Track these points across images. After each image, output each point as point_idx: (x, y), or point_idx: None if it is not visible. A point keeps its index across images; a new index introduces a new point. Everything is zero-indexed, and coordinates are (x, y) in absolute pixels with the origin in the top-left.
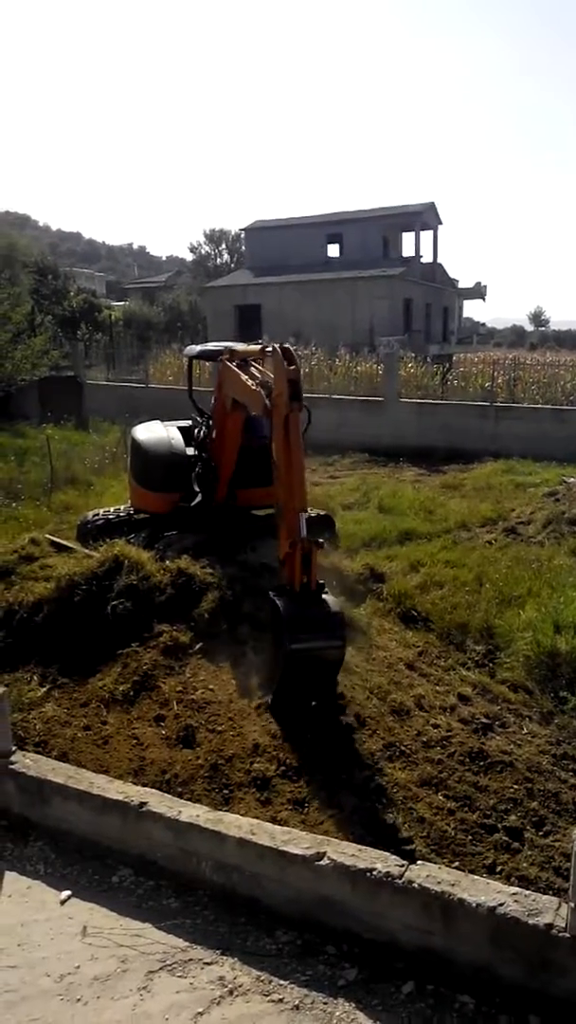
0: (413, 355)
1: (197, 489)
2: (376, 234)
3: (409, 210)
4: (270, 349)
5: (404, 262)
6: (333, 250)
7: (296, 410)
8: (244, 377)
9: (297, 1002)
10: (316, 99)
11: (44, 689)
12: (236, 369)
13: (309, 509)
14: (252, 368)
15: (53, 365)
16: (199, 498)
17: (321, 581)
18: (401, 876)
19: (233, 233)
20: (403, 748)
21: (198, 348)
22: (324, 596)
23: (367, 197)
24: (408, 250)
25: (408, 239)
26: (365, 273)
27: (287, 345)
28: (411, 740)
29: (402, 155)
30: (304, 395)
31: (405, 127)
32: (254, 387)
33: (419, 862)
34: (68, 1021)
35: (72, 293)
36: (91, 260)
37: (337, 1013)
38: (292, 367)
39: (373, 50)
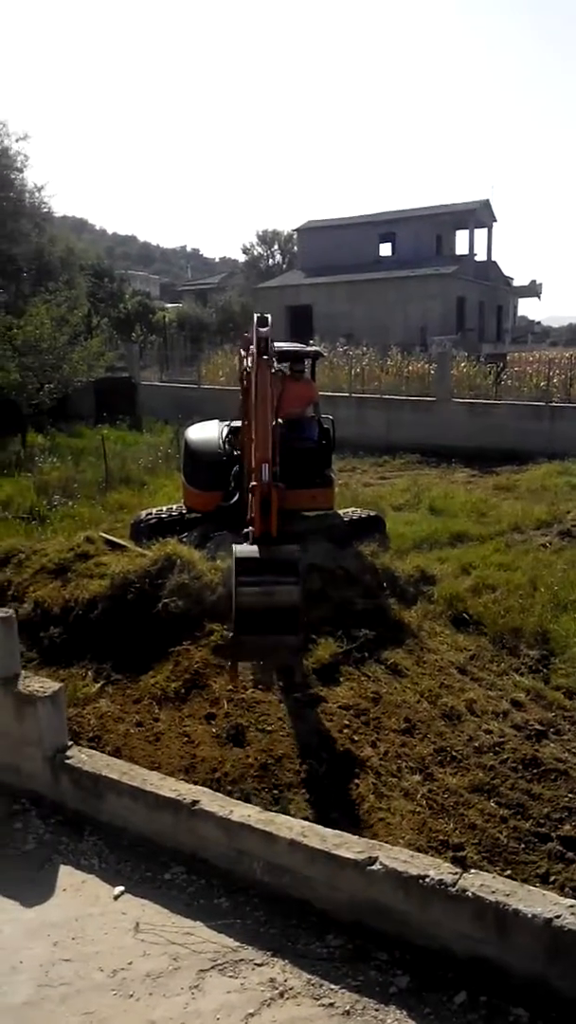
0: (466, 354)
1: (234, 488)
2: (429, 232)
3: (463, 207)
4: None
5: (457, 260)
6: (385, 249)
7: (262, 365)
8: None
9: (348, 1007)
10: (369, 97)
11: (98, 685)
12: (243, 355)
13: (359, 510)
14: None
15: (108, 366)
16: (236, 497)
17: (284, 532)
18: (455, 884)
19: (285, 234)
20: (454, 753)
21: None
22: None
23: (420, 195)
24: (462, 248)
25: (462, 237)
26: (417, 272)
27: (265, 315)
28: (463, 745)
29: (457, 151)
30: (355, 395)
31: (461, 122)
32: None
33: (472, 870)
34: (121, 1016)
35: (127, 295)
36: (146, 263)
37: (388, 1020)
38: (263, 328)
39: (425, 45)
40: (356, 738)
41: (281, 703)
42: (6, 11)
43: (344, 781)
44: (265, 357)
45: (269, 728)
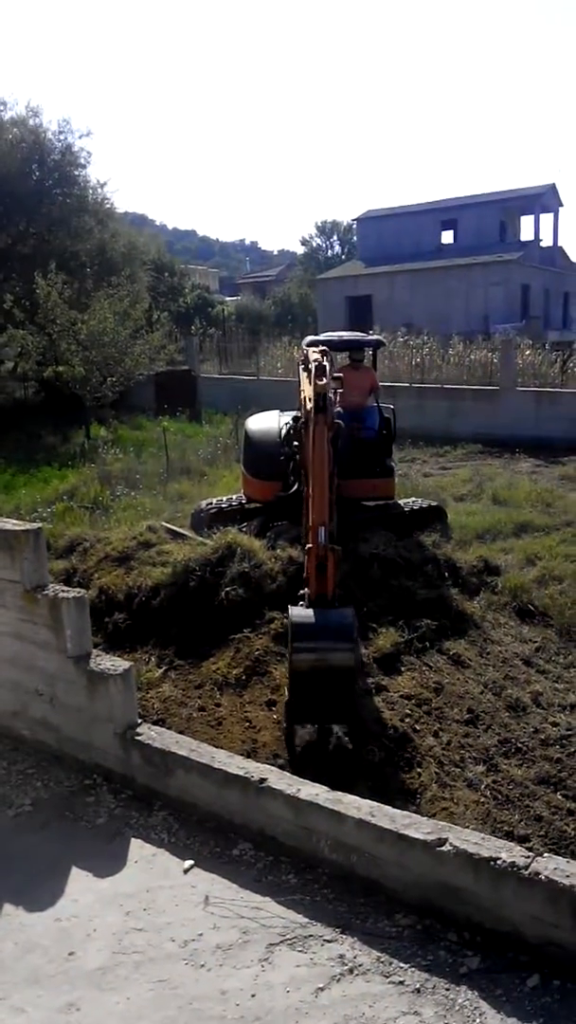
0: (530, 342)
1: (293, 479)
2: (493, 218)
3: (528, 192)
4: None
5: (522, 247)
6: (447, 236)
7: (319, 423)
8: (304, 380)
9: (418, 986)
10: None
11: (161, 670)
12: (303, 372)
13: (419, 499)
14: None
15: (169, 359)
16: (295, 487)
17: (339, 592)
18: (527, 867)
19: (345, 224)
20: (519, 745)
21: (311, 339)
22: (347, 607)
23: (484, 180)
24: (527, 234)
25: (527, 223)
26: (480, 259)
27: (319, 353)
28: (528, 737)
29: (522, 134)
30: (415, 385)
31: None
32: (305, 394)
33: (545, 854)
34: (193, 985)
35: (187, 289)
36: (205, 257)
37: (460, 1000)
38: (320, 381)
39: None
40: (418, 727)
41: None
42: (71, 8)
43: (406, 770)
44: (323, 415)
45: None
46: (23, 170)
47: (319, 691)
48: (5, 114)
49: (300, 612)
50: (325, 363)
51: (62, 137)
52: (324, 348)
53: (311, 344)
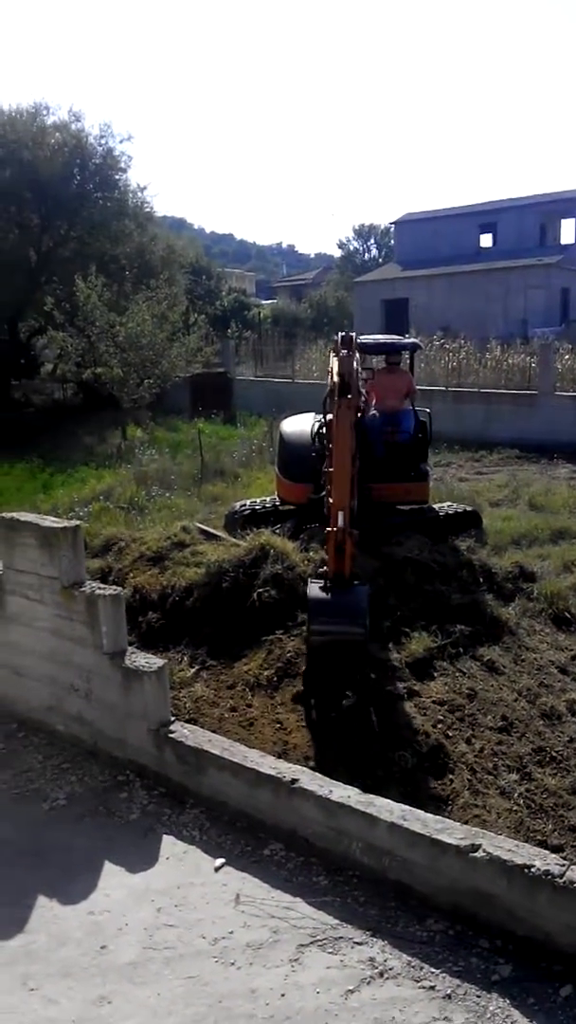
0: (570, 346)
1: (324, 479)
2: (533, 222)
3: (569, 195)
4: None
5: (562, 250)
6: (486, 240)
7: (342, 406)
8: (332, 366)
9: (449, 991)
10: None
11: (193, 670)
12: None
13: (454, 504)
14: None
15: (205, 362)
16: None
17: (356, 572)
18: (562, 876)
19: (382, 227)
20: (554, 754)
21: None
22: (356, 586)
23: (524, 184)
24: (567, 237)
25: (567, 226)
26: (519, 262)
27: (350, 334)
28: (563, 746)
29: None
30: (451, 389)
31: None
32: (331, 378)
33: None
34: (222, 982)
35: (224, 292)
36: (242, 260)
37: (491, 1008)
38: (346, 364)
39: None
40: (450, 734)
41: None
42: (110, 13)
43: (437, 776)
44: (348, 397)
45: (363, 719)
46: (65, 174)
47: (332, 663)
48: (48, 119)
49: (317, 591)
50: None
51: (103, 141)
52: (351, 338)
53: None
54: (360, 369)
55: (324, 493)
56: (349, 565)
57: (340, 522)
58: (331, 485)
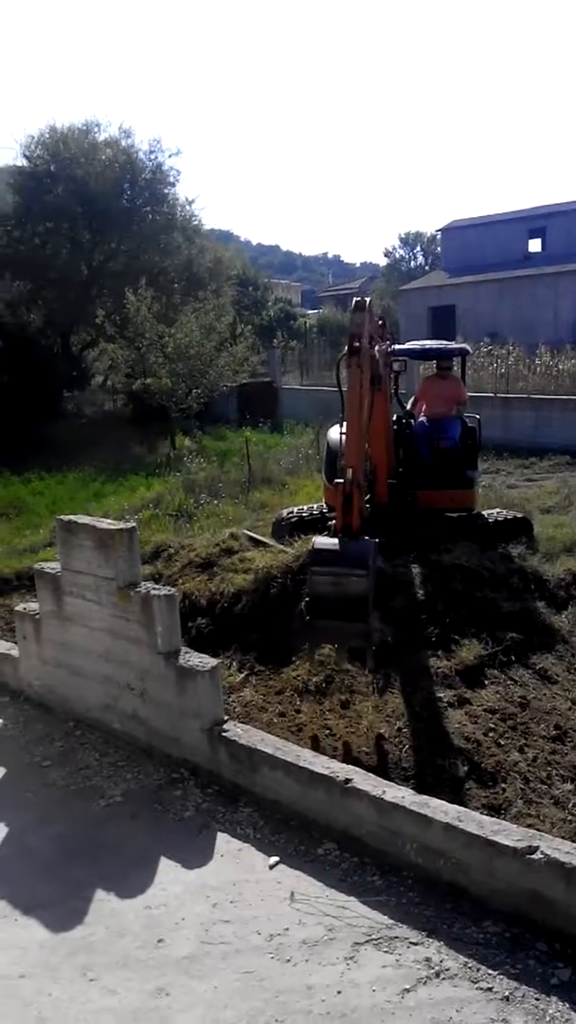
0: None
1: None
2: None
3: None
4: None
5: None
6: (535, 245)
7: (351, 365)
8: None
9: (507, 993)
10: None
11: (242, 675)
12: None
13: (504, 511)
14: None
15: (251, 371)
16: (368, 495)
17: (365, 528)
18: None
19: (428, 235)
20: None
21: (395, 347)
22: (364, 539)
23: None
24: None
25: None
26: (570, 267)
27: (364, 299)
28: None
29: None
30: (499, 395)
31: None
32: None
33: None
34: (278, 977)
35: (270, 303)
36: (288, 271)
37: (550, 1011)
38: (357, 319)
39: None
40: (502, 742)
41: (424, 703)
42: (160, 31)
43: (489, 785)
44: (356, 357)
45: (412, 726)
46: (116, 190)
47: (336, 614)
48: (99, 136)
49: (322, 540)
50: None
51: (153, 156)
52: (384, 319)
53: (393, 354)
54: (377, 336)
55: (367, 497)
56: (357, 518)
57: (349, 476)
58: (344, 444)
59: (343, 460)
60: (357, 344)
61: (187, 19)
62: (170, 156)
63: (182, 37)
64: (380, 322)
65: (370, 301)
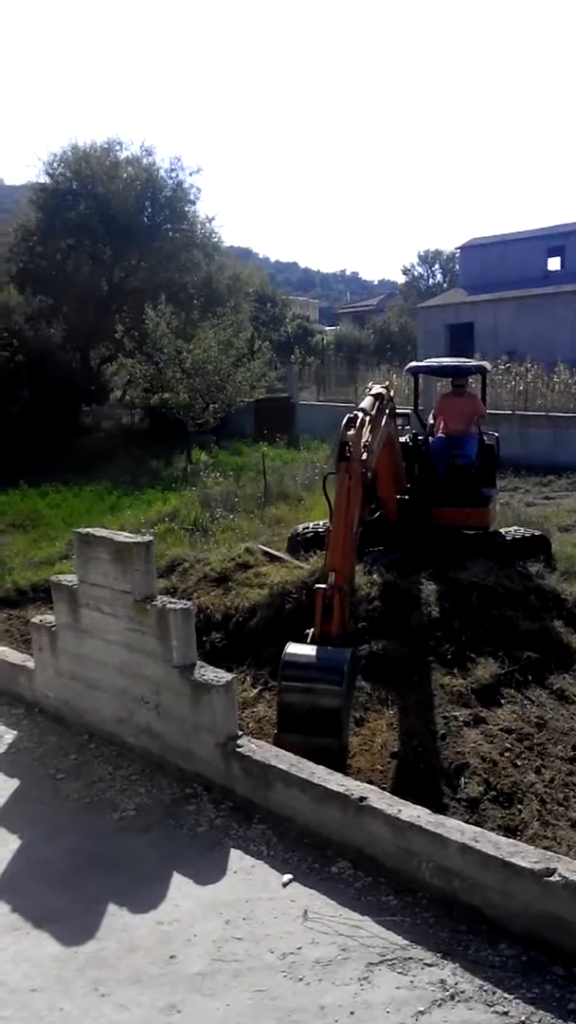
0: None
1: (376, 505)
2: None
3: None
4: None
5: None
6: (554, 263)
7: (340, 471)
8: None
9: (523, 1018)
10: (533, 107)
11: (256, 691)
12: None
13: (522, 528)
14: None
15: (268, 387)
16: (377, 514)
17: (348, 637)
18: None
19: (447, 253)
20: None
21: (413, 365)
22: (340, 648)
23: None
24: None
25: None
26: None
27: (356, 414)
28: None
29: None
30: (518, 412)
31: None
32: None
33: None
34: (291, 996)
35: (288, 319)
36: (306, 288)
37: None
38: (348, 432)
39: None
40: (519, 763)
41: (439, 721)
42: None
43: (505, 806)
44: (345, 463)
45: (427, 745)
46: (137, 207)
47: (306, 728)
48: (121, 154)
49: (295, 649)
50: (368, 413)
51: (173, 174)
52: (383, 390)
53: (411, 371)
54: (373, 440)
55: (378, 515)
56: (337, 625)
57: (331, 581)
58: (327, 547)
59: (327, 559)
60: (348, 453)
61: (208, 39)
62: (191, 174)
63: (204, 56)
64: (377, 403)
65: (362, 417)
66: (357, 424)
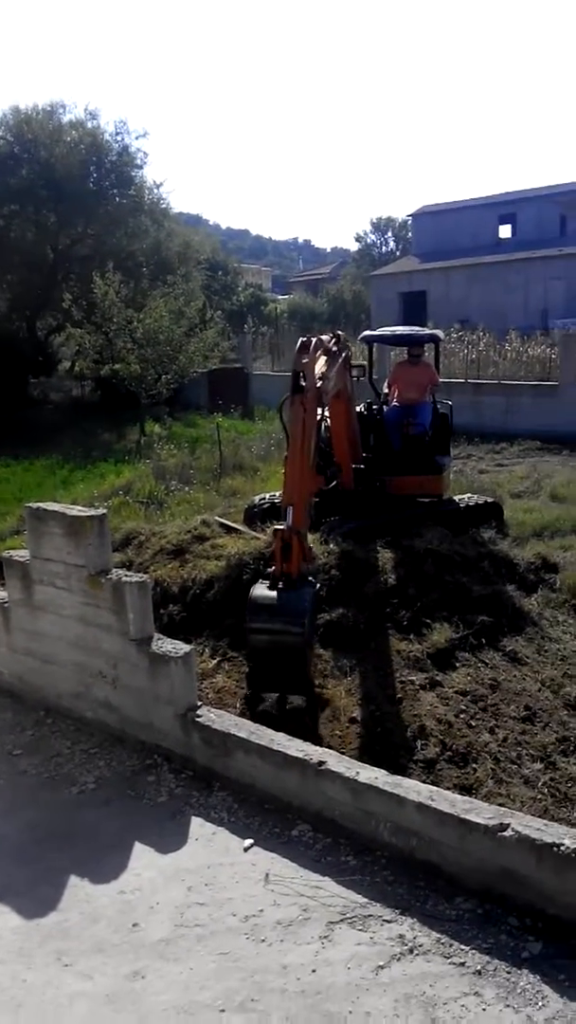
0: None
1: (331, 473)
2: (553, 212)
3: None
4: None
5: None
6: (505, 231)
7: (294, 403)
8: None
9: (479, 967)
10: (483, 74)
11: (215, 661)
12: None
13: (475, 496)
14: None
15: (222, 357)
16: (334, 483)
17: (307, 573)
18: None
19: (400, 220)
20: None
21: (367, 334)
22: (306, 586)
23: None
24: None
25: None
26: (540, 253)
27: (310, 338)
28: None
29: None
30: (470, 381)
31: None
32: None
33: None
34: (253, 958)
35: (240, 288)
36: (258, 256)
37: (521, 983)
38: (302, 358)
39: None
40: (473, 723)
41: (395, 684)
42: (124, 11)
43: (461, 766)
44: (299, 395)
45: (384, 710)
46: (81, 172)
47: (274, 665)
48: (64, 117)
49: (260, 592)
50: (321, 344)
51: (119, 138)
52: (337, 336)
53: (365, 339)
54: (331, 368)
55: (334, 484)
56: (296, 565)
57: (288, 520)
58: (284, 482)
59: (282, 496)
60: (302, 382)
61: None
62: (137, 138)
63: (148, 16)
64: (333, 339)
65: (316, 340)
66: (311, 348)
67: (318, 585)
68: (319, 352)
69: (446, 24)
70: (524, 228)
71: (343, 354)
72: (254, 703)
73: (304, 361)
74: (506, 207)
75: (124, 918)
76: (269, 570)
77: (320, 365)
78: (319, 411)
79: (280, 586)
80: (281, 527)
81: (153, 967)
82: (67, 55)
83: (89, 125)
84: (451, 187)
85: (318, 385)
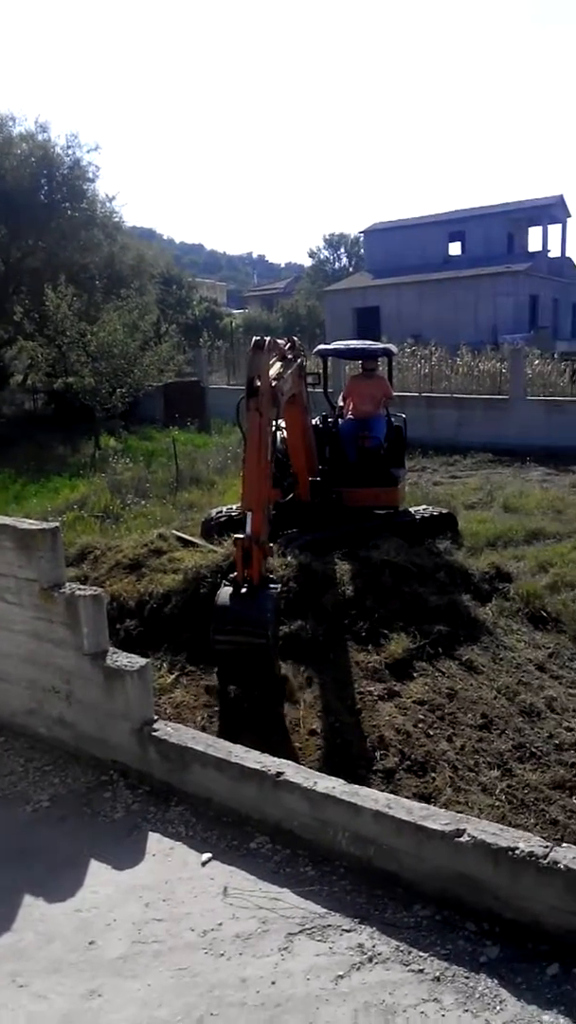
0: (539, 352)
1: (287, 486)
2: (501, 230)
3: (536, 204)
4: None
5: (530, 257)
6: (455, 248)
7: (250, 408)
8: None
9: (438, 974)
10: (436, 94)
11: (173, 676)
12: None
13: (430, 507)
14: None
15: (177, 371)
16: (291, 496)
17: (271, 577)
18: (546, 856)
19: (352, 237)
20: (534, 750)
21: (321, 348)
22: (267, 591)
23: (491, 192)
24: (535, 245)
25: (535, 234)
26: (488, 270)
27: (263, 338)
28: (542, 742)
29: (530, 146)
30: (424, 395)
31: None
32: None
33: (564, 844)
34: (212, 973)
35: (195, 302)
36: (212, 270)
37: (480, 988)
38: (256, 360)
39: (496, 42)
40: (431, 732)
41: (355, 696)
42: (78, 23)
43: (419, 775)
44: (254, 399)
45: (344, 721)
46: (32, 185)
47: (241, 666)
48: (14, 129)
49: (224, 596)
50: (276, 346)
51: (70, 151)
52: (292, 341)
53: (320, 353)
54: (286, 371)
55: (291, 496)
56: (257, 571)
57: (248, 529)
58: (243, 488)
59: (242, 503)
60: (257, 384)
61: (104, 9)
62: (88, 151)
63: (101, 28)
64: (288, 344)
65: (270, 340)
66: (265, 348)
67: (279, 586)
68: (274, 355)
69: (397, 46)
70: (473, 245)
71: (298, 360)
72: (224, 699)
73: (258, 362)
74: (455, 224)
75: (80, 936)
76: (232, 575)
77: (275, 369)
78: (275, 417)
79: (243, 590)
80: (241, 536)
81: (110, 985)
82: (17, 67)
83: (40, 138)
84: (402, 204)
85: (273, 385)
